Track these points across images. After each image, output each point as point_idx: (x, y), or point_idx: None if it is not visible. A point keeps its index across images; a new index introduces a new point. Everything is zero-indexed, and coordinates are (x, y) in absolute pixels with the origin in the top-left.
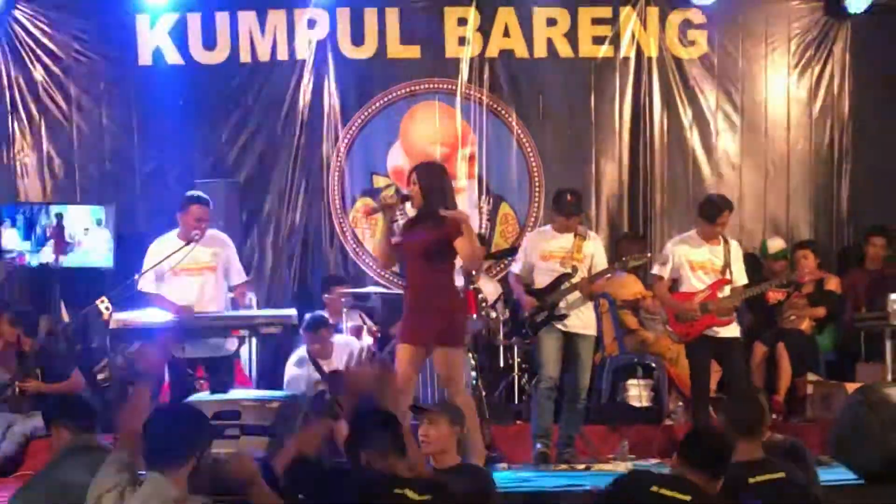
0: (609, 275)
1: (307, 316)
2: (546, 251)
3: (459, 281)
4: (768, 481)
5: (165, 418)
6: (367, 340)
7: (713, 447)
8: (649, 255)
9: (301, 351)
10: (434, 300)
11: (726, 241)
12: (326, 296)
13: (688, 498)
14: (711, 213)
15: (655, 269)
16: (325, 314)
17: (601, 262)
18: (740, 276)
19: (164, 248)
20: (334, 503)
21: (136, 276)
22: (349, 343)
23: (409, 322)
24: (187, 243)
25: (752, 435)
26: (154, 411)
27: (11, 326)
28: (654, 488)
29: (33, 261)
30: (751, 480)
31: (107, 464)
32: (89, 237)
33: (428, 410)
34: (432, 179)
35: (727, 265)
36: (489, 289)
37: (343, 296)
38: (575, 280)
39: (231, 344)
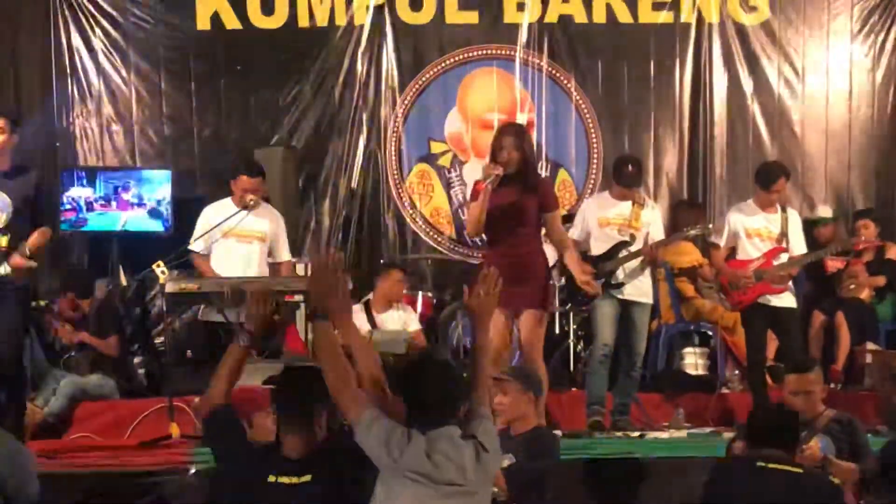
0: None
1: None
2: (603, 218)
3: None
4: None
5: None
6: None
7: (777, 422)
8: (711, 225)
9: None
10: (530, 266)
11: (784, 210)
12: (381, 282)
13: (800, 470)
14: (766, 179)
15: (712, 237)
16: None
17: (658, 231)
18: (798, 246)
19: (218, 212)
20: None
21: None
22: (406, 309)
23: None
24: (242, 208)
25: None
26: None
27: (66, 294)
28: (761, 464)
29: (92, 225)
30: None
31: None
32: (148, 202)
33: (498, 378)
34: (529, 143)
35: (784, 234)
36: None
37: (399, 283)
38: (633, 248)
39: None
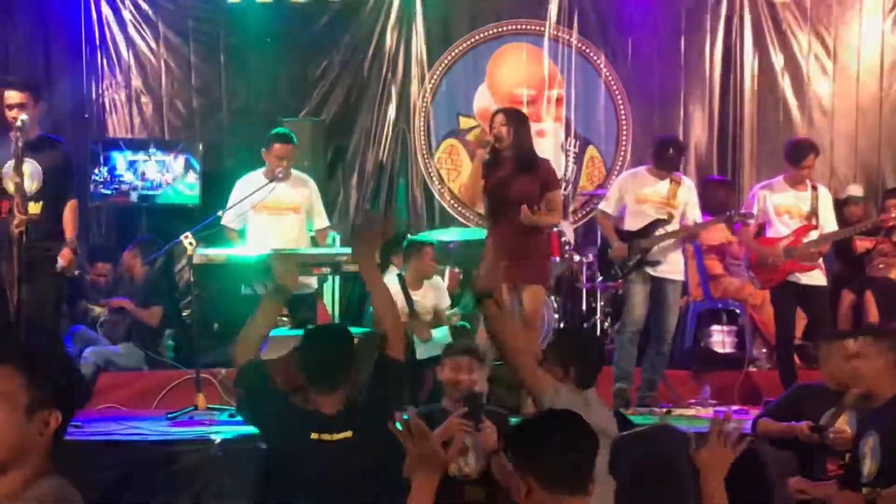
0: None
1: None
2: (641, 195)
3: None
4: None
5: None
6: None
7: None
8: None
9: (388, 278)
10: (530, 242)
11: (815, 187)
12: (415, 260)
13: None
14: (795, 156)
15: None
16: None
17: (694, 210)
18: (828, 223)
19: (249, 185)
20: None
21: (220, 213)
22: (438, 283)
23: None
24: (271, 181)
25: None
26: None
27: (133, 256)
28: None
29: (121, 197)
30: None
31: None
32: (176, 174)
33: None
34: (524, 125)
35: (814, 211)
36: (570, 232)
37: (432, 260)
38: (670, 228)
39: (312, 281)
